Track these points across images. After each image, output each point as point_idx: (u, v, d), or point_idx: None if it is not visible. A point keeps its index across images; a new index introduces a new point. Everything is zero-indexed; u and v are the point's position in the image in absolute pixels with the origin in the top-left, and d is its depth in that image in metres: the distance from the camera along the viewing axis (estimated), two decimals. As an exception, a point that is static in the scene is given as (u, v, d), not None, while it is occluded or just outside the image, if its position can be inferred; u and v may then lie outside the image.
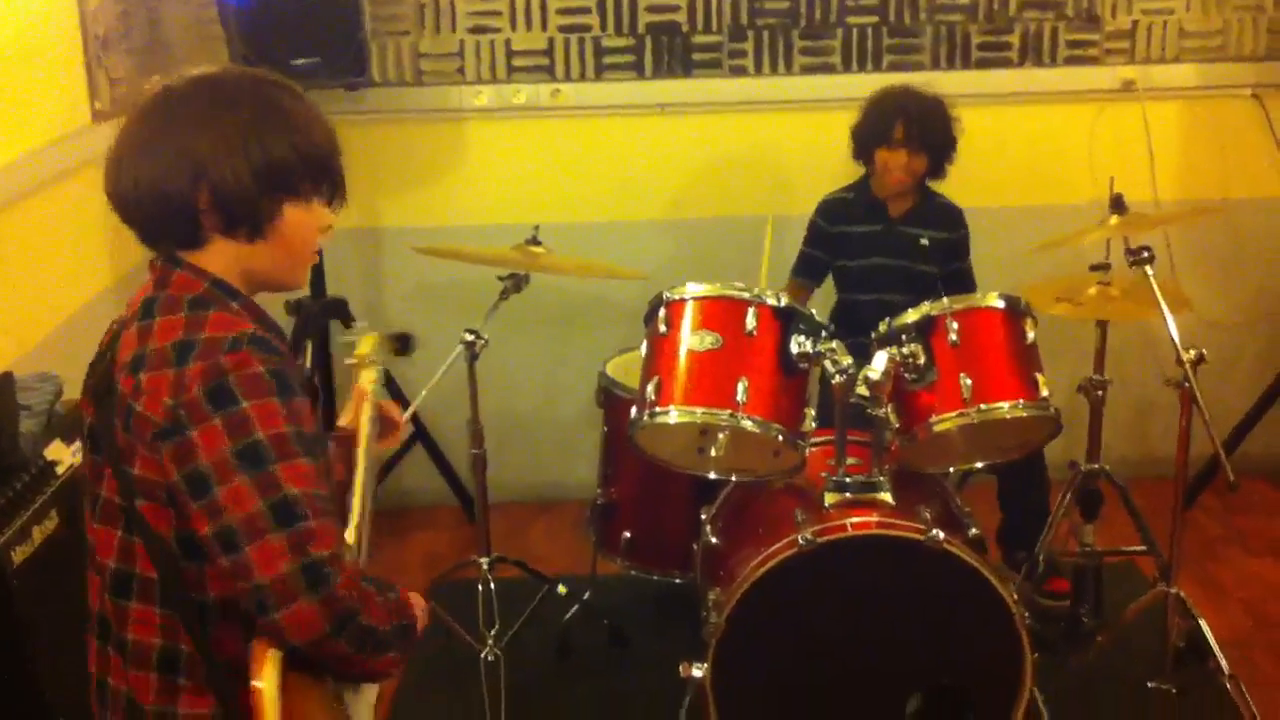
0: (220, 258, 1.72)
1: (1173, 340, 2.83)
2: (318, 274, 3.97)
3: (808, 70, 4.17)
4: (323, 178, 1.76)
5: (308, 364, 4.00)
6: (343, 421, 2.21)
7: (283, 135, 1.70)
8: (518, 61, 4.13)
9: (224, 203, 1.68)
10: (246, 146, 1.67)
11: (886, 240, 3.60)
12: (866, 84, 3.92)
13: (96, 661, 1.76)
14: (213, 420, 1.57)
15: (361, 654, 1.62)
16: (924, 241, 3.48)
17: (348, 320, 3.96)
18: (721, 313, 2.80)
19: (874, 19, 4.13)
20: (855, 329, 3.15)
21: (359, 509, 2.00)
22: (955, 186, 3.67)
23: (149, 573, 1.66)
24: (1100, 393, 3.27)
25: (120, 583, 1.69)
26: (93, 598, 1.76)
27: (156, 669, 1.68)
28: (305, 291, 3.97)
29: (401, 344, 2.80)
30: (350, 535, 1.90)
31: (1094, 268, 3.25)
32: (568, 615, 3.45)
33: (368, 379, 2.29)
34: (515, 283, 3.30)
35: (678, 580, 3.28)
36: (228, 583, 1.60)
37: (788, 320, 2.79)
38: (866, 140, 3.57)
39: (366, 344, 2.42)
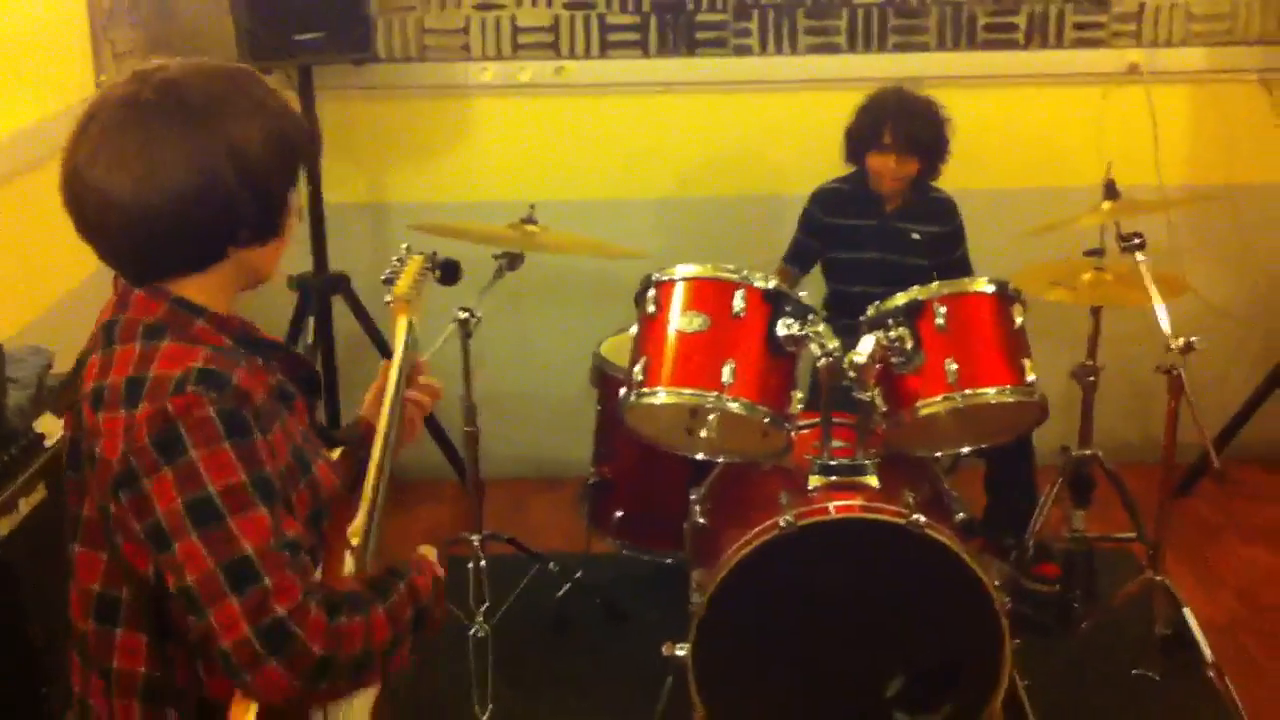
0: (220, 276, 1.63)
1: (1162, 327, 2.83)
2: (321, 248, 3.99)
3: (813, 50, 4.15)
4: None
5: (310, 339, 4.02)
6: (366, 409, 2.04)
7: (285, 120, 1.63)
8: (523, 39, 4.14)
9: (262, 204, 1.60)
10: (268, 141, 1.59)
11: (880, 235, 3.58)
12: (871, 64, 3.92)
13: (79, 680, 1.69)
14: (163, 470, 1.50)
15: (359, 681, 1.58)
16: (915, 236, 3.50)
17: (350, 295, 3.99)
18: (710, 294, 2.81)
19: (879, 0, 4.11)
20: (844, 317, 3.16)
21: (370, 496, 1.84)
22: (957, 169, 3.65)
23: (135, 599, 1.61)
24: (1092, 379, 3.27)
25: (105, 608, 1.62)
26: (75, 616, 1.67)
27: (141, 698, 1.62)
28: (308, 267, 3.99)
29: (446, 273, 2.49)
30: (359, 520, 1.80)
31: (1088, 253, 3.24)
32: (560, 592, 3.47)
33: (400, 330, 2.07)
34: (509, 261, 3.29)
35: (669, 560, 3.30)
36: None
37: (776, 303, 2.80)
38: (857, 144, 3.55)
39: (410, 272, 2.20)
